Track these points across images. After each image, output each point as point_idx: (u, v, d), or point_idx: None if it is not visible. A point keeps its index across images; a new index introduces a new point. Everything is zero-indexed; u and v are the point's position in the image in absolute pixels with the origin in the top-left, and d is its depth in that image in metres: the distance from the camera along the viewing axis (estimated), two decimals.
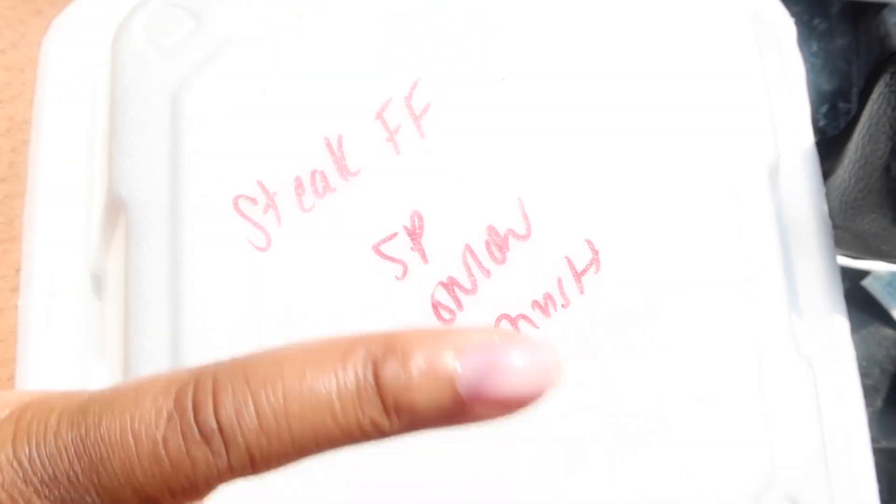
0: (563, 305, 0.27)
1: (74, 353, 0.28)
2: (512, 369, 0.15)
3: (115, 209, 0.27)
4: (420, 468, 0.25)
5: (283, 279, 0.26)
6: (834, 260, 0.32)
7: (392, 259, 0.27)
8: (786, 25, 0.34)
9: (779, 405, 0.27)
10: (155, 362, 0.25)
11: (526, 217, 0.27)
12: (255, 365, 0.14)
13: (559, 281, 0.27)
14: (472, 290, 0.27)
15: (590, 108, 0.28)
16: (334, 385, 0.14)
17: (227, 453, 0.14)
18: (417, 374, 0.14)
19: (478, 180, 0.27)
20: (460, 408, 0.14)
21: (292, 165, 0.27)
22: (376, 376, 0.14)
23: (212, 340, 0.26)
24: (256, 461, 0.14)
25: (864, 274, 0.44)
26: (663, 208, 0.28)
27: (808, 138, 0.34)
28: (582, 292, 0.27)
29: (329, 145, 0.27)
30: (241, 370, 0.14)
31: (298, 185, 0.27)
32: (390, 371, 0.14)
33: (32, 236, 0.28)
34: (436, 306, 0.26)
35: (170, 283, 0.26)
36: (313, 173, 0.27)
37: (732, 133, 0.29)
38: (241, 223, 0.26)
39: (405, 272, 0.27)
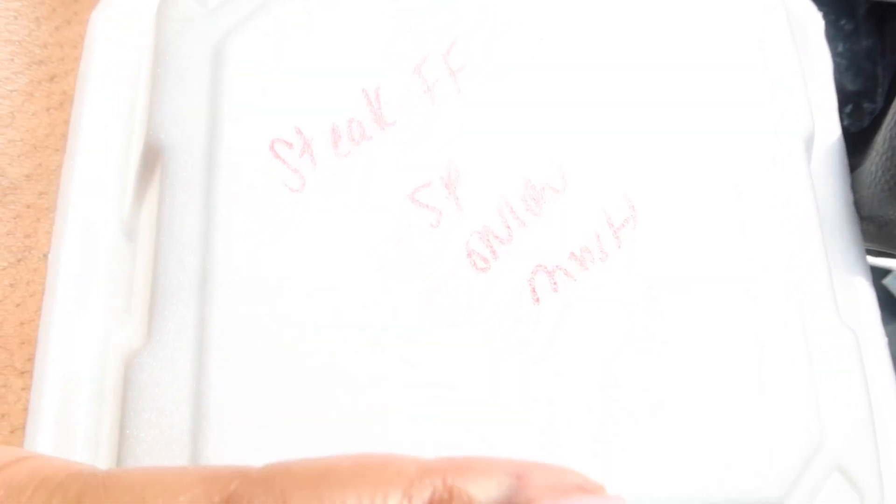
0: (600, 259, 0.26)
1: (101, 302, 0.27)
2: None
3: (153, 157, 0.27)
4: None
5: (316, 221, 0.26)
6: (861, 249, 0.32)
7: (427, 207, 0.26)
8: (814, 19, 0.35)
9: (825, 370, 0.26)
10: (183, 300, 0.25)
11: (562, 171, 0.27)
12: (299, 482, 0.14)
13: (597, 235, 0.26)
14: (508, 240, 0.26)
15: (628, 68, 0.28)
16: None
17: None
18: None
19: (514, 135, 0.27)
20: None
21: (330, 114, 0.27)
22: None
23: (242, 280, 0.25)
24: None
25: (885, 273, 0.44)
26: (700, 168, 0.28)
27: (835, 128, 0.33)
28: (620, 247, 0.26)
29: (367, 96, 0.27)
30: (281, 490, 0.14)
31: (335, 132, 0.27)
32: None
33: (69, 186, 0.28)
34: (471, 255, 0.26)
35: (202, 221, 0.26)
36: (350, 122, 0.27)
37: (770, 106, 0.29)
38: (276, 165, 0.26)
39: (440, 220, 0.26)
